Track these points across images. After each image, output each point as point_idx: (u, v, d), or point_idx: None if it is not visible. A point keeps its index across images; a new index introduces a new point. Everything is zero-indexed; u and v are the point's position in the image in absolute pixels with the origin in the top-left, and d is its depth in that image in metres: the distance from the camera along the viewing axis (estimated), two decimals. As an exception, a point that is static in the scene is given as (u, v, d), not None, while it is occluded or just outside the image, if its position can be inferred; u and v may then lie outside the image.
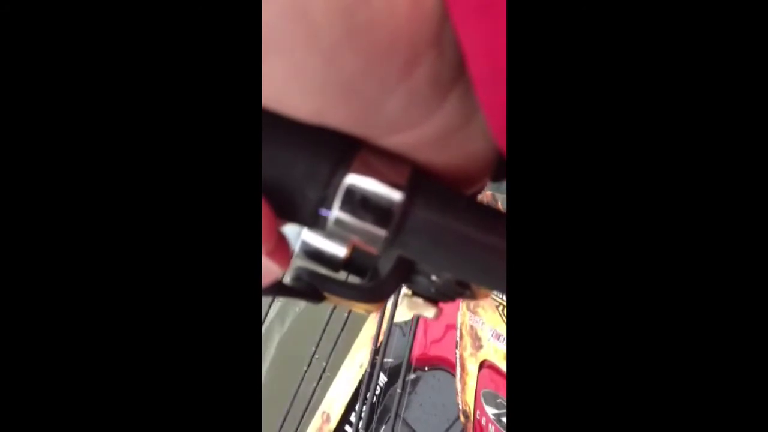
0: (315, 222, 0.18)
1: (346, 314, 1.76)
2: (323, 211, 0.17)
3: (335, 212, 0.17)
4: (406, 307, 0.26)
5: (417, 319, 1.58)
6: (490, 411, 1.40)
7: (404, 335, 1.60)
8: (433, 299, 0.26)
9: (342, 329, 1.75)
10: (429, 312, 0.26)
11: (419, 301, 0.26)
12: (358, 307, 0.24)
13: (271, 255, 0.18)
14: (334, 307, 1.73)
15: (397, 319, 1.64)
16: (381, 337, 1.60)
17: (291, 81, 0.15)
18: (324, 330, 1.79)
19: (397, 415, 1.52)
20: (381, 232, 0.17)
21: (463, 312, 1.51)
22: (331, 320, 1.78)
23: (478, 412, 1.43)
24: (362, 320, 1.74)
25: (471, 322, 1.48)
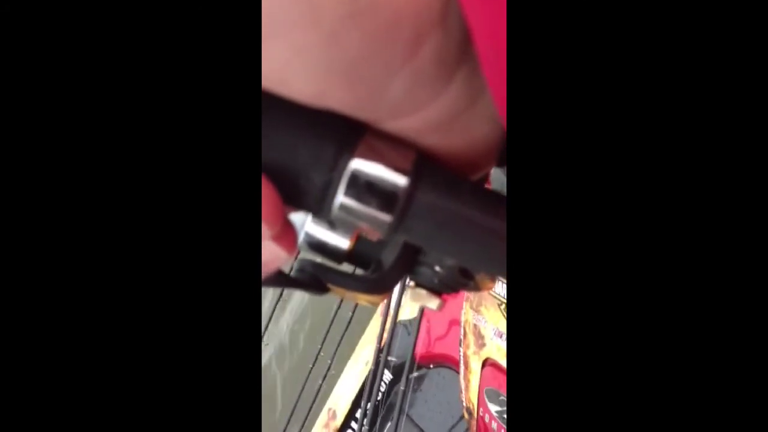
0: (320, 207, 0.18)
1: (350, 312, 1.75)
2: (329, 197, 0.17)
3: (340, 197, 0.17)
4: (410, 298, 0.27)
5: (420, 317, 1.59)
6: (493, 408, 1.40)
7: (409, 334, 1.60)
8: (436, 290, 0.26)
9: (347, 327, 1.75)
10: (432, 303, 0.27)
11: (423, 292, 0.26)
12: (362, 299, 0.24)
13: (278, 240, 0.18)
14: (339, 305, 1.73)
15: (402, 317, 1.64)
16: (385, 335, 1.60)
17: (294, 63, 0.15)
18: (329, 327, 1.79)
19: (400, 413, 1.52)
20: (386, 217, 0.18)
21: (466, 310, 1.51)
22: (336, 317, 1.78)
23: (481, 409, 1.43)
24: (368, 317, 1.74)
25: (474, 321, 1.49)
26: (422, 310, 1.55)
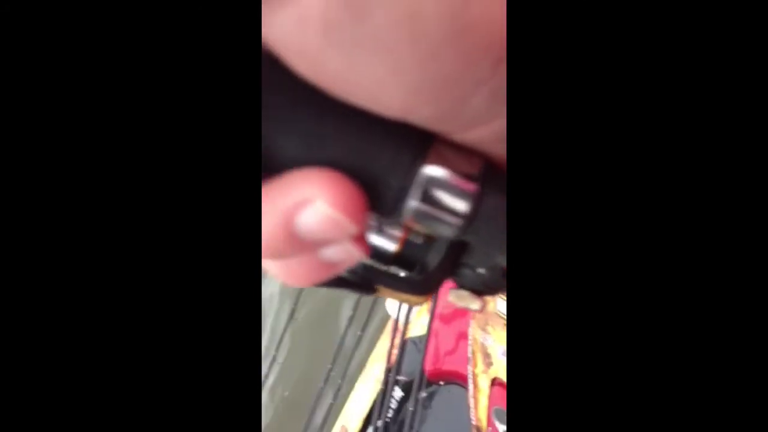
0: (393, 211, 0.19)
1: (359, 332, 1.75)
2: (402, 201, 0.18)
3: (413, 202, 0.18)
4: (452, 299, 0.28)
5: (428, 334, 1.59)
6: (501, 428, 1.40)
7: (419, 351, 1.61)
8: (478, 291, 0.27)
9: (357, 345, 1.75)
10: (474, 304, 0.28)
11: (465, 293, 0.27)
12: (408, 299, 0.25)
13: (356, 240, 0.18)
14: (349, 323, 1.73)
15: (412, 334, 1.64)
16: (394, 352, 1.60)
17: (388, 81, 0.15)
18: (340, 345, 1.79)
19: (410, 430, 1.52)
20: (456, 221, 0.18)
21: (474, 329, 1.52)
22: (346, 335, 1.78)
23: (489, 429, 1.43)
24: (378, 333, 1.74)
25: (482, 340, 1.49)
26: (429, 328, 1.56)
